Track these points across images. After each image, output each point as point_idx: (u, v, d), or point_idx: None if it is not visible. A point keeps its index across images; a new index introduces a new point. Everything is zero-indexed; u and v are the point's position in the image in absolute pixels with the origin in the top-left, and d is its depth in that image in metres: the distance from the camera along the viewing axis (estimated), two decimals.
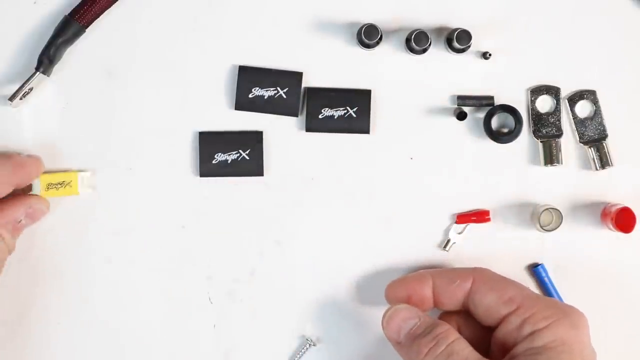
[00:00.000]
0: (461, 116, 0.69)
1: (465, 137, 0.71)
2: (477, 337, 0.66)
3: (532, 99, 0.70)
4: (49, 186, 0.69)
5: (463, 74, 0.70)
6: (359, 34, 0.69)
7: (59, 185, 0.69)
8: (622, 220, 0.68)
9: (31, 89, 0.68)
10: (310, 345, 0.70)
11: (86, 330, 0.70)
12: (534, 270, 0.71)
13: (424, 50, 0.69)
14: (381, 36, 0.68)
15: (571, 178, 0.71)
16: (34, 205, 0.67)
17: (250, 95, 0.70)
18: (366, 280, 0.71)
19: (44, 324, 0.70)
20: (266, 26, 0.70)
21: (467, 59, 0.70)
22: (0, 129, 0.70)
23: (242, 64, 0.70)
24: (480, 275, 0.66)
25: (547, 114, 0.71)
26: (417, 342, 0.63)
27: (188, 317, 0.71)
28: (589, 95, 0.71)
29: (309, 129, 0.70)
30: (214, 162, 0.70)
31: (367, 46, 0.69)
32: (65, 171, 0.69)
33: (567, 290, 0.71)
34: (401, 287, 0.67)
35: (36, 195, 0.68)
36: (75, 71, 0.70)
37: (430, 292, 0.66)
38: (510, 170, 0.71)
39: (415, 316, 0.64)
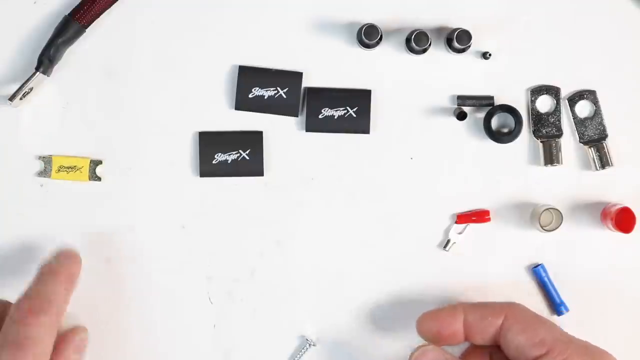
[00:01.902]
0: (461, 116, 0.69)
1: (465, 137, 0.71)
2: None
3: (532, 99, 0.70)
4: (60, 168, 0.69)
5: (463, 74, 0.70)
6: (359, 34, 0.69)
7: (70, 169, 0.69)
8: (622, 220, 0.68)
9: (31, 89, 0.68)
10: (310, 345, 0.70)
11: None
12: (534, 270, 0.71)
13: (424, 50, 0.69)
14: (381, 36, 0.68)
15: (571, 178, 0.71)
16: (80, 341, 0.65)
17: (250, 95, 0.70)
18: (366, 280, 0.71)
19: None
20: (266, 26, 0.70)
21: (467, 59, 0.70)
22: (0, 129, 0.70)
23: (242, 64, 0.70)
24: (512, 312, 0.64)
25: (547, 114, 0.71)
26: None
27: (188, 317, 0.71)
28: (589, 95, 0.71)
29: (309, 129, 0.70)
30: (214, 162, 0.70)
31: (367, 46, 0.69)
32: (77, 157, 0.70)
33: (567, 291, 0.71)
34: (432, 321, 0.66)
35: (78, 327, 0.65)
36: (75, 71, 0.70)
37: (462, 326, 0.65)
38: (510, 170, 0.71)
39: (442, 358, 0.63)
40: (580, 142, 0.71)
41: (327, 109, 0.70)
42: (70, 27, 0.68)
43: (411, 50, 0.70)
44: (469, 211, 0.71)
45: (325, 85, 0.70)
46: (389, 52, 0.70)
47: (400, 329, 0.70)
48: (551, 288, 0.70)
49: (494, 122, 0.70)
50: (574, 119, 0.71)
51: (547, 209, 0.69)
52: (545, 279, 0.70)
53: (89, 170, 0.70)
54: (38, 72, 0.68)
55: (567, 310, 0.70)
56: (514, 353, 0.64)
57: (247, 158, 0.70)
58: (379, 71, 0.70)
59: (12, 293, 0.69)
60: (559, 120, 0.71)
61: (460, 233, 0.71)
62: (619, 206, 0.69)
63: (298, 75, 0.70)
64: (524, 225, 0.71)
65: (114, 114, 0.70)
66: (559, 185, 0.71)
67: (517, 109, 0.69)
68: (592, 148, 0.70)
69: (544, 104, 0.71)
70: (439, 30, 0.70)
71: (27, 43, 0.69)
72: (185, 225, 0.70)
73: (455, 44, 0.68)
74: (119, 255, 0.70)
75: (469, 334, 0.65)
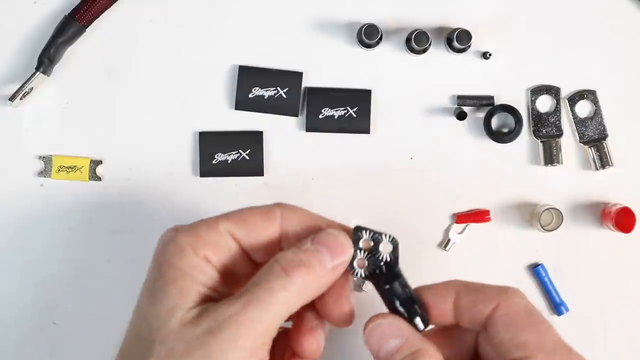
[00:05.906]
0: (461, 116, 0.69)
1: (465, 137, 0.71)
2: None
3: (532, 99, 0.70)
4: (60, 168, 0.69)
5: (463, 74, 0.70)
6: (359, 34, 0.69)
7: (70, 169, 0.69)
8: (622, 220, 0.68)
9: (31, 89, 0.68)
10: None
11: (85, 331, 0.70)
12: (534, 270, 0.71)
13: (424, 50, 0.69)
14: (381, 36, 0.68)
15: (571, 178, 0.71)
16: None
17: (250, 95, 0.70)
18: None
19: (43, 324, 0.70)
20: (266, 26, 0.70)
21: (467, 59, 0.70)
22: (0, 129, 0.70)
23: (242, 64, 0.70)
24: (505, 303, 0.57)
25: (547, 114, 0.71)
26: None
27: None
28: (589, 95, 0.71)
29: (309, 128, 0.70)
30: (214, 162, 0.70)
31: (367, 46, 0.69)
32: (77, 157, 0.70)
33: (567, 290, 0.71)
34: (422, 296, 0.59)
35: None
36: (75, 71, 0.70)
37: (452, 307, 0.58)
38: (510, 170, 0.71)
39: (398, 335, 0.56)
40: (580, 142, 0.71)
41: (327, 109, 0.70)
42: (70, 27, 0.68)
43: (411, 50, 0.70)
44: (469, 211, 0.71)
45: (325, 85, 0.70)
46: (389, 52, 0.70)
47: None
48: (551, 288, 0.70)
49: (494, 122, 0.70)
50: (574, 119, 0.71)
51: (547, 209, 0.69)
52: (545, 279, 0.70)
53: (89, 170, 0.70)
54: (38, 72, 0.68)
55: (567, 310, 0.71)
56: (494, 346, 0.57)
57: (247, 158, 0.70)
58: (379, 71, 0.70)
59: (12, 292, 0.69)
60: (559, 120, 0.71)
61: (460, 233, 0.71)
62: (619, 206, 0.69)
63: (298, 75, 0.70)
64: (524, 225, 0.71)
65: (115, 114, 0.70)
66: (559, 185, 0.71)
67: (517, 109, 0.69)
68: (592, 148, 0.70)
69: (544, 104, 0.71)
70: (439, 30, 0.70)
71: (27, 43, 0.69)
72: None
73: (455, 44, 0.68)
74: (119, 255, 0.70)
75: (457, 316, 0.58)
